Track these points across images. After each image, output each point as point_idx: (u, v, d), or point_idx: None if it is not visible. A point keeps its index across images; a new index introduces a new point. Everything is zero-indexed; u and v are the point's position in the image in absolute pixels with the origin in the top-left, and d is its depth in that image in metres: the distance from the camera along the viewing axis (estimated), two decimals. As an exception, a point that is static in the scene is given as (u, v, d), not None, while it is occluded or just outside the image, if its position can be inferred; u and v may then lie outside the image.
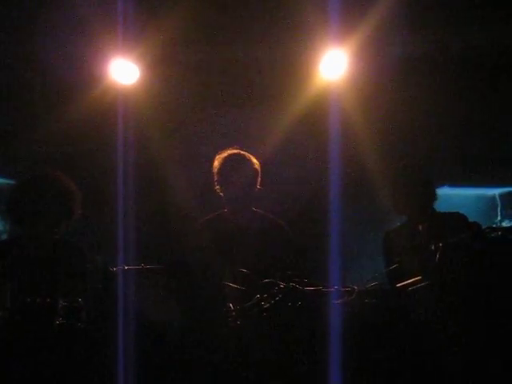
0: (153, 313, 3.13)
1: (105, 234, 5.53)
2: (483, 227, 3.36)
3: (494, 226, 3.34)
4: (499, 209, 7.62)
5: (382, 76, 5.97)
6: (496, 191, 7.67)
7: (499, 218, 7.59)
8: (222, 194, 4.64)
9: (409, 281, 3.26)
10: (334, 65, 5.82)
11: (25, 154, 6.43)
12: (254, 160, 4.64)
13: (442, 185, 4.74)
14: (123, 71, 5.92)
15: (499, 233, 3.15)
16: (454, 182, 6.52)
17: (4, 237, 7.35)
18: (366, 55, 5.73)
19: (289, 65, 6.14)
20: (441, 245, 3.19)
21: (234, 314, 3.23)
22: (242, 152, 4.65)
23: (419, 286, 3.21)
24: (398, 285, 3.30)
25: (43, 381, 3.13)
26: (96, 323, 3.25)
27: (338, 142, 5.50)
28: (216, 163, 4.64)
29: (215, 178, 4.64)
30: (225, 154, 4.63)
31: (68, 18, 5.55)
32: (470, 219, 4.58)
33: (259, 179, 4.64)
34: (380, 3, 5.29)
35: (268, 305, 3.18)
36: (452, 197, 4.80)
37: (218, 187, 4.64)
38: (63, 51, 5.88)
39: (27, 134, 6.53)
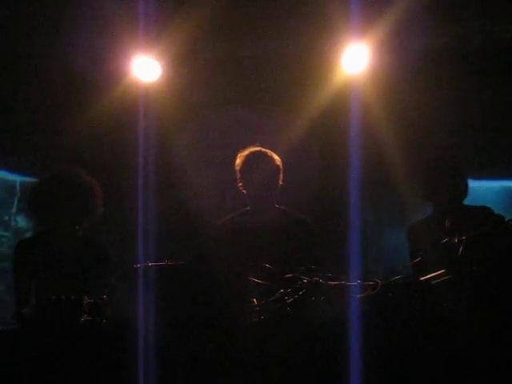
0: (176, 309, 3.14)
1: (127, 230, 5.55)
2: (506, 219, 3.35)
3: (518, 218, 3.32)
4: (522, 201, 7.58)
5: (404, 70, 5.95)
6: (519, 183, 7.63)
7: (523, 210, 7.54)
8: (244, 191, 4.66)
9: (432, 274, 3.25)
10: (355, 59, 5.81)
11: (47, 153, 6.46)
12: (276, 157, 4.66)
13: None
14: (145, 68, 5.94)
15: (522, 225, 3.14)
16: (477, 175, 6.48)
17: (28, 234, 7.41)
18: (387, 49, 5.71)
19: (311, 59, 6.13)
20: (464, 238, 3.18)
21: (257, 309, 3.24)
22: (264, 149, 4.66)
23: (443, 279, 3.20)
24: (421, 278, 3.29)
25: (68, 378, 3.14)
26: (121, 320, 3.26)
27: (360, 136, 5.49)
28: (238, 161, 4.66)
29: (237, 176, 4.66)
30: (246, 151, 4.66)
31: (90, 16, 5.57)
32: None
33: (281, 176, 4.65)
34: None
35: (291, 299, 3.19)
36: (475, 189, 4.77)
37: (240, 185, 4.66)
38: (85, 49, 5.91)
39: (49, 133, 6.57)
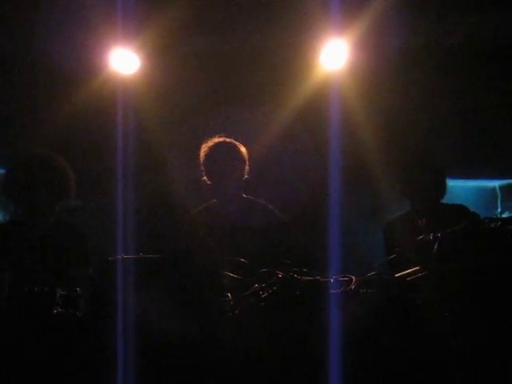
0: (150, 302, 3.13)
1: (103, 223, 5.53)
2: (481, 217, 3.37)
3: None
4: (499, 201, 7.62)
5: (383, 66, 5.96)
6: (496, 183, 7.66)
7: (499, 209, 7.58)
8: (209, 183, 4.61)
9: (408, 271, 3.26)
10: (334, 55, 5.81)
11: (23, 145, 6.41)
12: (241, 147, 4.62)
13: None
14: (123, 61, 5.92)
15: (498, 223, 3.15)
16: (454, 174, 6.51)
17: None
18: (366, 45, 5.72)
19: (289, 55, 6.13)
20: (439, 235, 3.19)
21: (231, 303, 3.23)
22: (228, 140, 4.62)
23: (418, 276, 3.21)
24: (396, 275, 3.30)
25: (41, 370, 3.13)
26: (94, 312, 3.25)
27: (339, 133, 5.49)
28: (202, 153, 4.61)
29: (202, 168, 4.61)
30: (210, 143, 4.61)
31: (68, 8, 5.53)
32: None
33: (246, 166, 4.62)
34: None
35: (266, 294, 3.19)
36: (452, 188, 4.81)
37: (204, 176, 4.61)
38: (63, 41, 5.86)
39: (26, 125, 6.53)
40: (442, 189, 4.72)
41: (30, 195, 4.30)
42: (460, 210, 4.64)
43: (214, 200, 4.68)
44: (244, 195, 4.67)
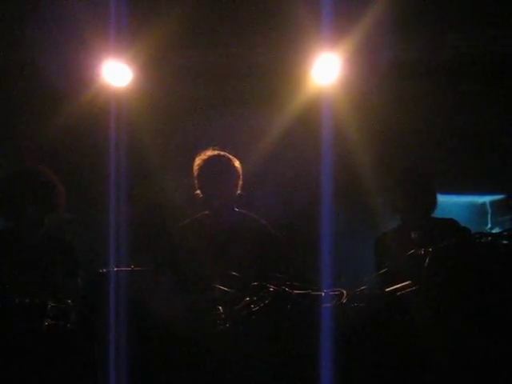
0: (142, 314, 3.12)
1: (96, 235, 5.52)
2: (472, 232, 3.38)
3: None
4: (489, 216, 7.62)
5: (375, 80, 5.97)
6: (486, 199, 7.67)
7: (489, 225, 7.58)
8: (202, 195, 4.59)
9: (398, 285, 3.26)
10: (326, 69, 5.82)
11: (16, 158, 6.40)
12: (235, 160, 4.60)
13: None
14: (116, 73, 5.92)
15: (489, 238, 3.16)
16: (445, 189, 6.52)
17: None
18: (358, 59, 5.73)
19: (281, 68, 6.13)
20: (430, 249, 3.19)
21: (223, 316, 3.23)
22: (222, 153, 4.60)
23: (408, 290, 3.21)
24: (387, 289, 3.30)
25: (31, 382, 3.12)
26: (85, 325, 3.25)
27: (331, 147, 5.49)
28: (195, 166, 4.59)
29: (195, 180, 4.60)
30: (204, 156, 4.58)
31: (60, 20, 5.53)
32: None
33: (240, 180, 4.60)
34: (373, 8, 5.30)
35: (257, 308, 3.18)
36: (443, 204, 4.81)
37: (198, 189, 4.59)
38: (55, 53, 5.85)
39: (19, 137, 6.51)
40: (432, 203, 4.72)
41: (20, 209, 4.31)
42: (451, 225, 4.64)
43: (206, 212, 4.67)
44: (236, 209, 4.66)
